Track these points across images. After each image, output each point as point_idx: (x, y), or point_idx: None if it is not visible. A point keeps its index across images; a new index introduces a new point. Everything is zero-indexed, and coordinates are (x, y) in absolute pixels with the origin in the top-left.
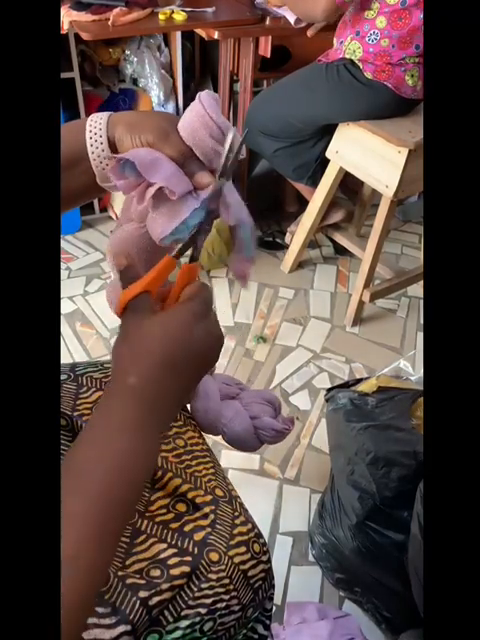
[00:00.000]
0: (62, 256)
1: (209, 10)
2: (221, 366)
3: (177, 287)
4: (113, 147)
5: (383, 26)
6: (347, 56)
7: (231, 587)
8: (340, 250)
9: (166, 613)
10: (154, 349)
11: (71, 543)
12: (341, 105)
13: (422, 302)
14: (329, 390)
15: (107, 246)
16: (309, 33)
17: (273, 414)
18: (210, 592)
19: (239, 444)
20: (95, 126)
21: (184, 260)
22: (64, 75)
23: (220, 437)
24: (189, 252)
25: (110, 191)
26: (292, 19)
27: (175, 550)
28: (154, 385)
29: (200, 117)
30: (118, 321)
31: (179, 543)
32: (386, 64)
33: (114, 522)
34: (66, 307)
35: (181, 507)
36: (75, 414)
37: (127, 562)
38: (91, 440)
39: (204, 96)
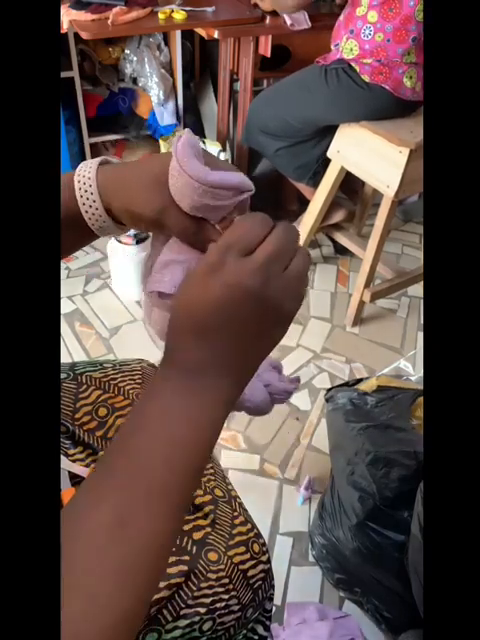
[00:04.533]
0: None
1: (209, 9)
2: None
3: None
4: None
5: (375, 20)
6: (345, 56)
7: (230, 587)
8: (340, 250)
9: (165, 612)
10: (174, 324)
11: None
12: (340, 109)
13: (422, 302)
14: (329, 390)
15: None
16: None
17: (280, 377)
18: (209, 592)
19: (257, 413)
20: (86, 191)
21: None
22: (64, 74)
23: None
24: None
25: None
26: (289, 22)
27: (173, 549)
28: (186, 359)
29: (189, 186)
30: (117, 321)
31: (177, 542)
32: (383, 66)
33: (149, 520)
34: (65, 307)
35: None
36: (76, 424)
37: None
38: (139, 427)
39: (180, 152)
